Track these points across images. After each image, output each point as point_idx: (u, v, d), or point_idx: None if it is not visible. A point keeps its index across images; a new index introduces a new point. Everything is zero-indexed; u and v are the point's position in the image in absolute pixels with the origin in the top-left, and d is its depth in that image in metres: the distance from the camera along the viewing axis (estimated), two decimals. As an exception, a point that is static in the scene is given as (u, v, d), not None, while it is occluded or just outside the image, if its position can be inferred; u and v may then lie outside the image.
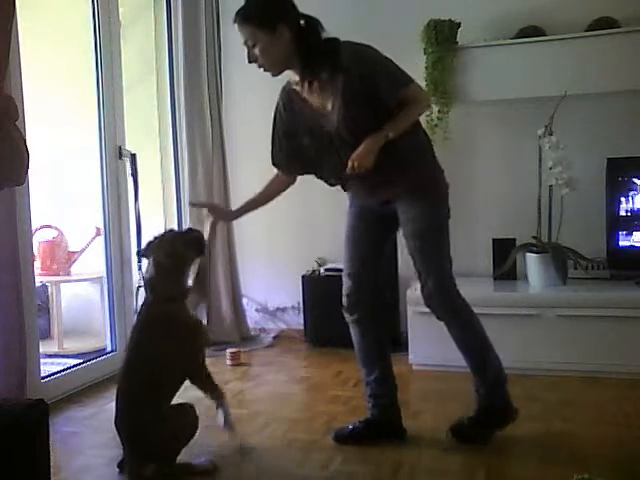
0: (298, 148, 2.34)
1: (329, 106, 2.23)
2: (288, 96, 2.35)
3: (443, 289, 2.30)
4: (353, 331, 2.46)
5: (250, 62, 2.26)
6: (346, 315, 2.45)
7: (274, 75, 2.29)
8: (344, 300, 2.44)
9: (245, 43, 2.23)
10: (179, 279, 2.23)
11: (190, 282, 2.30)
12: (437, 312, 2.34)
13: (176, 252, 2.20)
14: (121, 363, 2.22)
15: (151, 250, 2.24)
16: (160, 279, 2.20)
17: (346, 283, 2.44)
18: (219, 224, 3.05)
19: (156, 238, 2.27)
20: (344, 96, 2.18)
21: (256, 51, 2.22)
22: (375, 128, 2.17)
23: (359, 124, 2.19)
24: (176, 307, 2.21)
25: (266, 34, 2.17)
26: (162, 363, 2.13)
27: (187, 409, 2.18)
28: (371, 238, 2.40)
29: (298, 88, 2.30)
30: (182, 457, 2.18)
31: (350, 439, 2.42)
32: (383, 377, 2.43)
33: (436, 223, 2.29)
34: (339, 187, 2.44)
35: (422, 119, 2.39)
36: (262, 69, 2.27)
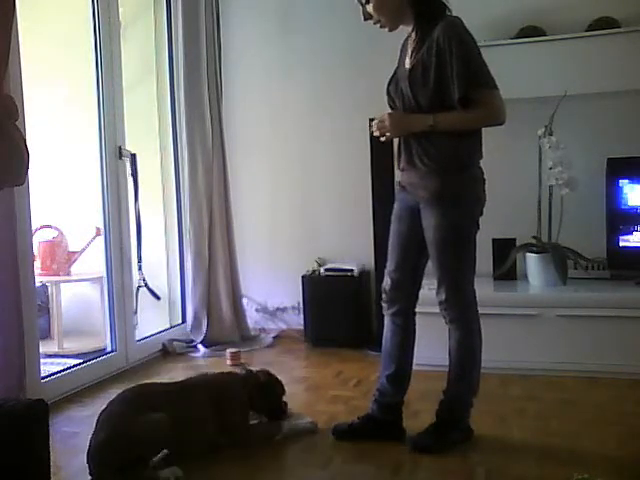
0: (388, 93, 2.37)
1: (408, 63, 2.26)
2: (403, 44, 2.38)
3: (453, 302, 2.29)
4: (385, 323, 2.47)
5: (365, 20, 2.30)
6: (384, 307, 2.45)
7: (390, 30, 2.31)
8: (382, 295, 2.45)
9: (358, 1, 2.26)
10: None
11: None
12: (445, 319, 2.35)
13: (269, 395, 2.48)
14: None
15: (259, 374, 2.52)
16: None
17: (385, 280, 2.43)
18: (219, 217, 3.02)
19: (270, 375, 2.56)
20: (418, 60, 2.19)
21: (369, 8, 2.24)
22: (431, 105, 2.17)
23: (416, 95, 2.20)
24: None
25: None
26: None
27: (157, 419, 2.14)
28: (411, 237, 2.35)
29: (409, 40, 2.31)
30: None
31: (348, 434, 2.43)
32: (395, 377, 2.43)
33: (455, 237, 2.24)
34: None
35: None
36: (379, 25, 2.29)
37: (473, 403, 2.37)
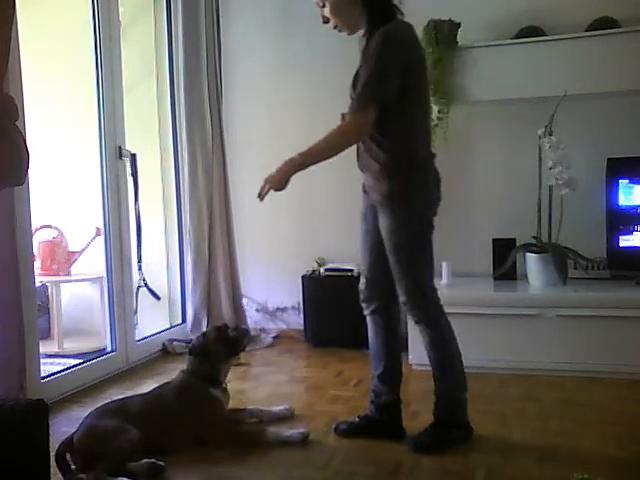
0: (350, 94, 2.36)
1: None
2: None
3: (415, 303, 2.29)
4: (368, 324, 2.49)
5: (324, 23, 2.30)
6: (363, 307, 2.48)
7: (349, 34, 2.30)
8: (360, 295, 2.48)
9: (316, 4, 2.27)
10: (212, 366, 2.52)
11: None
12: (412, 320, 2.35)
13: (210, 348, 2.52)
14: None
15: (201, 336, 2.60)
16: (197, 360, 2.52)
17: (361, 279, 2.48)
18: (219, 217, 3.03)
19: (205, 333, 2.62)
20: (361, 64, 2.20)
21: (325, 12, 2.25)
22: None
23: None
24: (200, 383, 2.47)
25: None
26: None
27: (126, 429, 2.21)
28: (376, 235, 2.36)
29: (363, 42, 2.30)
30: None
31: (350, 432, 2.45)
32: (386, 375, 2.44)
33: (406, 238, 2.25)
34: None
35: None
36: (337, 30, 2.29)
37: (466, 398, 2.36)
